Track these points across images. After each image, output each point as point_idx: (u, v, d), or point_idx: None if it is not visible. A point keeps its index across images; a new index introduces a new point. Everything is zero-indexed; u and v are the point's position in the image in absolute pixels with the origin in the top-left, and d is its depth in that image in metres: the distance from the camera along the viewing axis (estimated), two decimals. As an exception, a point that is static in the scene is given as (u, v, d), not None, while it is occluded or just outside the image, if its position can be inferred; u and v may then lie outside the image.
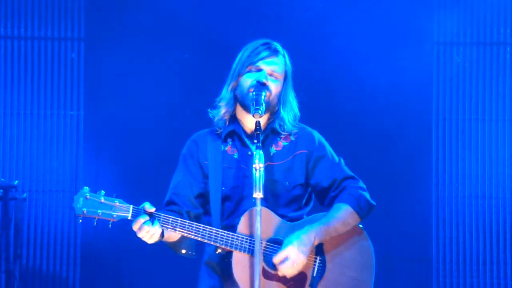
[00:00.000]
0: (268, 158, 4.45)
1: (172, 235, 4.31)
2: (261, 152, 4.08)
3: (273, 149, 4.51)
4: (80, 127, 8.10)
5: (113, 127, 7.97)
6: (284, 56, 4.56)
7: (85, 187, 4.24)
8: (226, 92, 4.55)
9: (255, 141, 4.17)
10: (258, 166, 4.02)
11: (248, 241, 4.26)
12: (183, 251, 4.45)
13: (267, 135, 4.51)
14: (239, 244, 4.26)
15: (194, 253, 4.44)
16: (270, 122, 4.52)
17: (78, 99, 8.13)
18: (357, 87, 7.94)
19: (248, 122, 4.50)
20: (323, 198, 4.57)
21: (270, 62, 4.46)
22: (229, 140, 4.55)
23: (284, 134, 4.54)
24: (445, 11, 8.15)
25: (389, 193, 7.85)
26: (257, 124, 4.25)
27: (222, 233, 4.27)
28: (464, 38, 8.20)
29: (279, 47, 4.56)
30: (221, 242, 4.27)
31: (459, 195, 8.13)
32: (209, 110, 4.61)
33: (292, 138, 4.55)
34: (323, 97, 7.85)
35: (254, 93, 4.34)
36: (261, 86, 4.37)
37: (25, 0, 8.10)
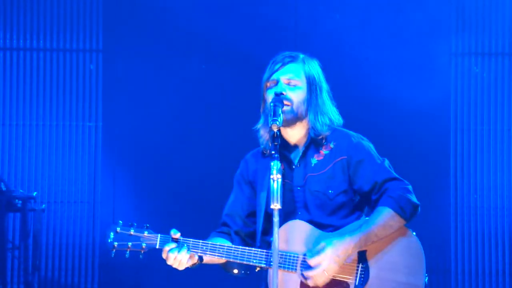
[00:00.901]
0: (310, 169, 4.42)
1: (215, 259, 4.34)
2: (278, 163, 4.05)
3: (315, 159, 4.45)
4: (99, 138, 8.14)
5: (131, 138, 7.99)
6: (303, 62, 4.52)
7: (119, 221, 4.37)
8: (261, 116, 4.55)
9: (273, 152, 4.14)
10: (276, 177, 3.99)
11: (284, 256, 4.24)
12: (235, 271, 4.45)
13: (307, 146, 4.47)
14: (271, 260, 4.25)
15: (248, 272, 4.43)
16: (308, 132, 4.51)
17: (97, 111, 8.16)
18: (375, 98, 7.93)
19: (288, 135, 4.48)
20: (368, 203, 4.50)
21: (283, 71, 4.44)
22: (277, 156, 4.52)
23: (325, 142, 4.47)
24: (463, 22, 8.14)
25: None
26: (275, 134, 4.23)
27: (255, 252, 4.27)
28: (482, 49, 8.19)
29: (298, 54, 4.52)
30: (254, 261, 4.28)
31: (477, 206, 8.10)
32: (258, 136, 4.59)
33: (332, 145, 4.49)
34: (341, 109, 7.81)
35: (272, 104, 4.31)
36: (278, 97, 4.35)
37: (44, 13, 8.15)
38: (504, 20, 8.15)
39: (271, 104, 4.31)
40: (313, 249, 4.23)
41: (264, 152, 4.54)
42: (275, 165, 4.03)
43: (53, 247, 8.10)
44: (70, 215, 8.10)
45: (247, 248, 4.29)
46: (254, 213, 4.52)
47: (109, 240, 4.36)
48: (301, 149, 4.47)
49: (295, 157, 4.44)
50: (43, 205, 7.78)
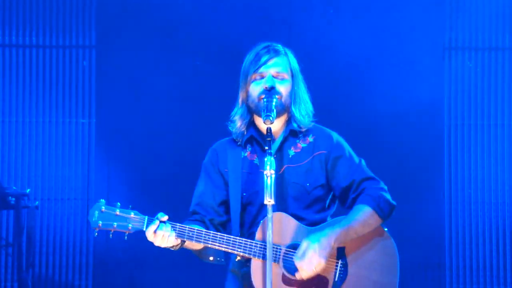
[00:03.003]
0: (287, 160, 4.44)
1: (195, 244, 4.30)
2: (272, 158, 4.06)
3: (292, 151, 4.48)
4: (92, 135, 8.12)
5: (125, 134, 7.98)
6: (286, 54, 4.52)
7: (101, 200, 4.27)
8: (238, 107, 4.54)
9: (266, 147, 4.15)
10: (269, 173, 4.01)
11: (265, 247, 4.25)
12: (211, 258, 4.44)
13: (285, 137, 4.49)
14: (256, 251, 4.25)
15: (223, 259, 4.43)
16: (287, 124, 4.51)
17: (90, 107, 8.15)
18: (367, 93, 7.92)
19: (265, 127, 4.47)
20: (344, 200, 4.53)
21: (272, 64, 4.44)
22: (248, 146, 4.54)
23: (303, 135, 4.50)
24: (456, 16, 8.14)
25: (401, 199, 7.74)
26: (268, 130, 4.23)
27: (240, 241, 4.26)
28: (476, 43, 8.19)
29: (279, 46, 4.53)
30: (238, 250, 4.27)
31: (471, 201, 8.10)
32: (227, 123, 4.60)
33: (310, 139, 4.52)
34: (334, 103, 7.83)
35: (264, 100, 4.32)
36: (269, 92, 4.36)
37: (36, 9, 8.13)
38: (497, 15, 8.15)
39: (265, 99, 4.32)
40: (298, 251, 4.23)
41: (236, 141, 4.54)
42: (269, 160, 4.04)
43: (46, 244, 8.08)
44: (64, 212, 8.08)
45: (232, 237, 4.28)
46: (225, 202, 4.53)
47: (93, 219, 4.23)
48: (277, 140, 4.47)
49: (272, 148, 4.44)
50: (37, 202, 7.77)
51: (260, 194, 4.41)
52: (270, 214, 4.01)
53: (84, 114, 8.15)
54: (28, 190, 7.74)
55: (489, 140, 8.13)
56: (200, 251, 4.40)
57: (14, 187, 7.78)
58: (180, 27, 7.97)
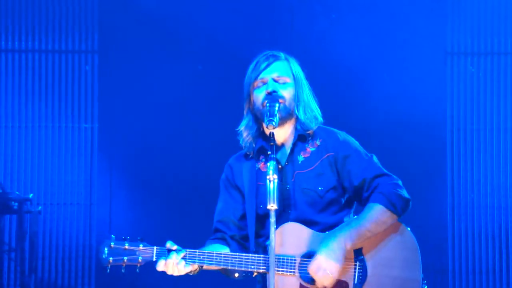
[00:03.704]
0: (297, 166, 4.42)
1: (214, 266, 4.31)
2: (274, 163, 4.04)
3: (301, 156, 4.44)
4: (94, 140, 8.12)
5: (127, 139, 7.98)
6: (287, 59, 4.51)
7: (111, 236, 4.30)
8: (244, 117, 4.53)
9: (269, 152, 4.14)
10: (272, 178, 3.98)
11: (281, 259, 4.22)
12: (236, 275, 4.42)
13: (295, 143, 4.46)
14: (267, 264, 4.24)
15: (249, 275, 4.40)
16: (294, 129, 4.50)
17: (92, 112, 8.15)
18: (370, 98, 7.93)
19: (276, 135, 4.43)
20: (359, 200, 4.48)
21: (271, 70, 4.43)
22: (261, 157, 4.52)
23: (311, 139, 4.48)
24: (458, 21, 8.15)
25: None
26: (271, 135, 4.22)
27: (253, 257, 4.24)
28: (478, 48, 8.19)
29: (277, 53, 4.51)
30: (252, 267, 4.25)
31: (474, 205, 8.10)
32: (238, 138, 4.58)
33: (318, 143, 4.48)
34: (335, 107, 7.82)
35: (267, 104, 4.31)
36: (272, 96, 4.35)
37: (39, 14, 8.14)
38: (499, 20, 8.15)
39: (267, 104, 4.30)
40: (312, 262, 4.20)
41: (248, 154, 4.54)
42: (271, 165, 4.02)
43: (49, 249, 8.08)
44: (67, 217, 8.09)
45: (244, 254, 4.26)
46: (244, 216, 4.50)
47: (103, 256, 4.26)
48: (288, 147, 4.46)
49: (282, 156, 4.43)
50: (39, 207, 7.77)
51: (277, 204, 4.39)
52: (273, 218, 3.98)
53: (86, 119, 8.15)
54: (31, 195, 7.74)
55: (491, 144, 8.13)
56: (224, 270, 4.40)
57: (17, 192, 7.78)
58: (182, 32, 7.98)
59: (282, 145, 4.47)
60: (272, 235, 3.99)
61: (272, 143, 4.18)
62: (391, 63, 7.96)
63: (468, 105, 8.18)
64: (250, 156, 4.52)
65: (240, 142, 4.54)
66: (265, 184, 4.22)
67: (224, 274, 4.44)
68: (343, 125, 7.79)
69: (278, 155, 4.45)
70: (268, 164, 4.03)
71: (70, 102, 8.17)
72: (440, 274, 8.06)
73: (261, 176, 4.45)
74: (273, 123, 4.20)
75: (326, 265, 4.17)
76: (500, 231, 8.06)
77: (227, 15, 7.96)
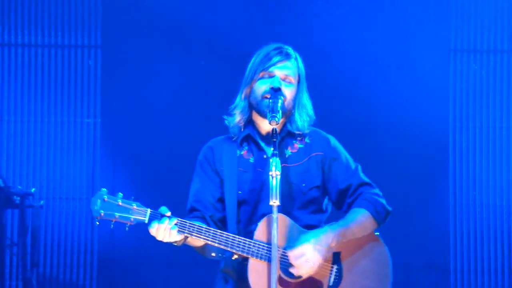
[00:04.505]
0: (283, 160, 4.44)
1: (196, 240, 4.29)
2: (277, 159, 4.06)
3: (289, 151, 4.48)
4: (97, 134, 8.13)
5: (130, 134, 7.99)
6: (296, 59, 4.53)
7: (102, 189, 4.19)
8: (240, 100, 4.54)
9: (272, 148, 4.15)
10: (275, 174, 4.00)
11: (265, 248, 4.24)
12: (213, 254, 4.41)
13: (283, 137, 4.49)
14: (255, 250, 4.24)
15: (225, 255, 4.41)
16: (285, 124, 4.52)
17: (95, 107, 8.16)
18: (373, 95, 7.93)
19: (264, 125, 4.49)
20: (340, 204, 4.54)
21: (282, 66, 4.45)
22: (244, 144, 4.54)
23: (300, 137, 4.53)
24: (462, 18, 8.14)
25: (406, 201, 7.83)
26: (274, 131, 4.24)
27: (239, 240, 4.25)
28: (481, 46, 8.18)
29: (290, 50, 4.53)
30: (237, 249, 4.24)
31: (476, 204, 8.10)
32: (224, 117, 4.60)
33: (307, 140, 4.54)
34: (339, 105, 7.84)
35: (270, 100, 4.32)
36: (275, 92, 4.36)
37: (42, 8, 8.14)
38: (503, 17, 8.15)
39: (270, 100, 4.32)
40: (296, 250, 4.22)
41: (232, 137, 4.56)
42: (274, 161, 4.04)
43: (51, 244, 8.09)
44: (69, 211, 8.09)
45: (231, 235, 4.26)
46: (220, 199, 4.51)
47: (95, 207, 4.14)
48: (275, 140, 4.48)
49: (269, 147, 4.44)
50: (42, 202, 7.77)
51: (255, 192, 4.43)
52: (275, 214, 4.01)
53: (89, 114, 8.16)
54: (33, 189, 7.75)
55: (494, 142, 8.13)
56: (202, 247, 4.39)
57: (19, 187, 7.78)
58: (185, 27, 7.98)
59: (268, 135, 4.50)
60: (274, 231, 4.01)
61: (274, 139, 4.19)
62: (394, 60, 7.96)
63: (471, 102, 8.17)
64: (234, 139, 4.54)
65: (226, 123, 4.56)
66: (247, 171, 4.43)
67: (199, 252, 4.43)
68: (345, 122, 7.84)
69: (263, 145, 4.49)
70: (271, 160, 4.05)
71: (73, 97, 8.17)
72: (442, 272, 8.06)
73: (242, 163, 4.50)
74: (276, 119, 4.23)
75: (310, 255, 4.20)
76: (502, 229, 8.06)
77: (231, 11, 7.97)
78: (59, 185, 8.09)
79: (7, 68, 8.14)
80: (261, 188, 4.43)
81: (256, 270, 4.23)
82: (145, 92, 7.99)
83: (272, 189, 4.00)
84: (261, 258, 4.24)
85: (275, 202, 3.99)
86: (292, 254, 4.21)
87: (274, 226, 4.01)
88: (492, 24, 8.16)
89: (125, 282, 8.00)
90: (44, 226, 8.05)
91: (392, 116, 7.92)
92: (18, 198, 7.58)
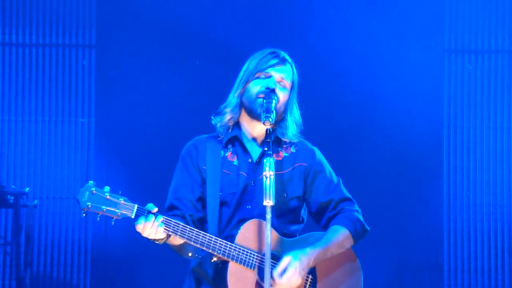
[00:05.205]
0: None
1: (177, 239, 4.28)
2: (271, 159, 4.05)
3: (274, 158, 4.45)
4: (91, 134, 8.12)
5: (124, 134, 7.98)
6: (291, 66, 4.54)
7: (90, 181, 4.17)
8: (232, 98, 4.51)
9: (266, 148, 4.14)
10: (269, 174, 4.00)
11: (246, 253, 4.25)
12: (190, 254, 4.40)
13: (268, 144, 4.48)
14: (236, 254, 4.24)
15: (200, 256, 4.40)
16: (273, 130, 4.49)
17: (89, 106, 8.15)
18: (367, 95, 7.93)
19: (252, 128, 4.47)
20: (319, 218, 4.56)
21: (279, 69, 4.45)
22: (229, 146, 4.52)
23: (286, 144, 4.52)
24: (456, 18, 8.15)
25: (400, 201, 7.84)
26: (268, 131, 4.23)
27: (221, 242, 4.24)
28: (475, 46, 8.19)
29: (287, 56, 4.53)
30: (219, 251, 4.25)
31: (470, 203, 8.11)
32: (212, 116, 4.59)
33: (292, 150, 4.53)
34: (332, 104, 7.85)
35: (264, 100, 4.31)
36: (270, 93, 4.36)
37: (37, 8, 8.13)
38: (497, 18, 8.15)
39: (264, 100, 4.32)
40: (279, 266, 4.25)
41: (218, 137, 4.55)
42: (268, 161, 4.03)
43: (45, 243, 8.08)
44: (63, 211, 8.08)
45: (213, 237, 4.24)
46: (201, 198, 4.49)
47: (83, 199, 4.12)
48: (260, 145, 4.47)
49: (254, 152, 4.46)
50: (35, 201, 7.76)
51: (236, 196, 4.42)
52: (269, 215, 4.00)
53: (83, 113, 8.15)
54: (27, 189, 7.74)
55: (488, 142, 8.14)
56: (180, 246, 4.37)
57: (13, 186, 7.78)
58: (180, 26, 7.97)
59: (254, 139, 4.49)
60: (268, 232, 4.01)
61: (268, 140, 4.18)
62: (388, 60, 7.96)
63: (465, 103, 8.18)
64: (219, 139, 4.53)
65: (213, 122, 4.55)
66: (230, 174, 4.42)
67: (176, 251, 4.42)
68: (339, 122, 7.84)
69: (250, 148, 4.47)
70: (265, 160, 4.05)
71: (67, 96, 8.16)
72: (436, 271, 8.07)
73: (226, 164, 4.48)
74: (270, 119, 4.22)
75: (291, 274, 4.23)
76: (496, 229, 8.07)
77: (226, 11, 7.96)
78: (53, 185, 8.07)
79: (0, 67, 8.13)
80: (242, 192, 4.42)
81: (235, 274, 4.24)
82: (139, 92, 7.98)
83: (266, 189, 3.99)
84: (241, 262, 4.24)
85: (268, 202, 3.98)
86: (276, 272, 4.23)
87: (268, 227, 4.00)
88: (486, 24, 8.17)
89: (119, 281, 8.00)
90: (38, 225, 8.03)
91: (386, 116, 7.92)
92: (12, 197, 7.58)
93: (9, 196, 7.56)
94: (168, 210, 4.50)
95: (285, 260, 4.25)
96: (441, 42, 8.13)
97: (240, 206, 4.41)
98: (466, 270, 8.07)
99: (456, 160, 8.14)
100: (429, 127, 8.05)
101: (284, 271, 4.23)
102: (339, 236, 4.43)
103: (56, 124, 8.14)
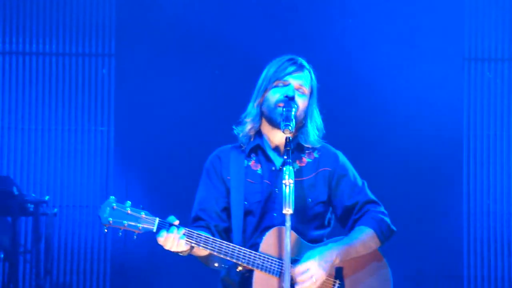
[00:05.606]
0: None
1: (202, 250, 4.29)
2: (291, 168, 4.05)
3: (297, 164, 4.43)
4: (110, 143, 8.15)
5: (143, 142, 8.00)
6: (310, 71, 4.52)
7: (111, 197, 4.18)
8: (252, 108, 4.51)
9: (285, 157, 4.13)
10: (288, 182, 3.99)
11: (270, 260, 4.24)
12: (216, 264, 4.41)
13: (292, 150, 4.47)
14: (260, 263, 4.24)
15: (227, 266, 4.40)
16: (295, 137, 4.49)
17: (109, 115, 8.18)
18: (387, 104, 7.92)
19: (274, 137, 4.47)
20: (345, 221, 4.53)
21: (297, 76, 4.44)
22: (253, 155, 4.52)
23: (309, 150, 4.51)
24: (476, 27, 8.13)
25: (420, 209, 7.82)
26: (287, 140, 4.22)
27: (245, 251, 4.23)
28: (495, 54, 8.17)
29: (304, 62, 4.52)
30: (243, 260, 4.23)
31: (490, 212, 8.08)
32: (234, 127, 4.59)
33: (315, 155, 4.51)
34: (352, 114, 7.84)
35: (284, 109, 4.30)
36: (289, 101, 4.35)
37: (57, 18, 8.18)
38: (517, 26, 8.14)
39: (284, 108, 4.32)
40: (300, 265, 4.21)
41: (241, 146, 4.54)
42: (287, 170, 4.03)
43: (64, 251, 8.11)
44: (82, 219, 8.11)
45: (237, 247, 4.23)
46: (226, 208, 4.48)
47: (104, 215, 4.11)
48: (283, 153, 4.43)
49: (277, 159, 4.44)
50: (55, 209, 7.80)
51: (261, 204, 4.40)
52: (288, 223, 3.99)
53: (103, 122, 8.18)
54: (47, 197, 7.77)
55: (508, 150, 8.11)
56: (206, 257, 4.38)
57: (33, 194, 7.81)
58: (199, 36, 7.99)
59: (277, 147, 4.49)
60: (287, 239, 4.01)
61: (288, 148, 4.18)
62: (408, 68, 7.96)
63: (485, 111, 8.16)
64: (242, 149, 4.54)
65: (235, 132, 4.56)
66: (254, 183, 4.40)
67: (203, 262, 4.43)
68: (359, 130, 7.84)
69: (272, 157, 4.47)
70: (285, 168, 4.05)
71: (86, 105, 8.20)
72: (455, 280, 8.04)
73: (250, 173, 4.47)
74: (290, 127, 4.21)
75: (314, 271, 4.19)
76: (516, 238, 8.04)
77: (245, 20, 7.98)
78: (72, 193, 8.11)
79: (21, 76, 8.19)
80: (267, 200, 4.41)
81: (261, 283, 4.23)
82: (158, 100, 8.00)
83: (285, 198, 3.99)
84: (266, 270, 4.24)
85: (288, 210, 3.97)
86: (297, 270, 4.21)
87: (287, 234, 3.99)
88: (506, 32, 8.15)
89: (138, 289, 8.02)
90: (58, 233, 8.07)
91: (406, 124, 7.91)
92: (32, 205, 7.61)
93: (29, 204, 7.59)
94: (194, 222, 4.51)
95: (306, 258, 4.23)
96: (461, 51, 8.11)
97: (266, 214, 4.41)
98: (486, 279, 8.04)
99: (476, 168, 8.11)
100: (449, 136, 8.03)
101: (305, 266, 4.21)
102: (363, 236, 4.37)
103: (76, 132, 8.17)
